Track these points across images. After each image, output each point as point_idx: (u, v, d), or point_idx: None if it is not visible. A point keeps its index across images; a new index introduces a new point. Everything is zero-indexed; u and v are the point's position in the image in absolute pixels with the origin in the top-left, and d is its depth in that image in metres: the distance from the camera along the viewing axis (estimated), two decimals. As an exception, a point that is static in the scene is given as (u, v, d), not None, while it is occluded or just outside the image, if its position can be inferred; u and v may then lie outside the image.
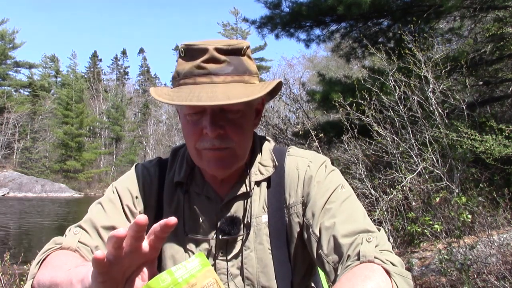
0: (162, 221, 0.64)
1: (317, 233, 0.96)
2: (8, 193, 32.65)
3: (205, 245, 1.05)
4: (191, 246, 1.06)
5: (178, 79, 0.99)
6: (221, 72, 0.95)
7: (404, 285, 0.79)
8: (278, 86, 1.06)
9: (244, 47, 0.99)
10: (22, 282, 3.75)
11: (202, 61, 0.95)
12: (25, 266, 4.05)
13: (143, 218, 0.62)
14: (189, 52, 0.98)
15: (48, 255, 0.93)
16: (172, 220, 0.63)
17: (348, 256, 0.87)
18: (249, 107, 1.02)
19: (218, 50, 0.96)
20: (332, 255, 0.91)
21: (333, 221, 0.94)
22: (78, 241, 0.97)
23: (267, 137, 1.17)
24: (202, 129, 0.96)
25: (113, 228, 1.01)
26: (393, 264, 0.82)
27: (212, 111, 0.95)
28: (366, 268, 0.80)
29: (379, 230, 0.93)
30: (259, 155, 1.11)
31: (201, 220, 1.07)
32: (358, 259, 0.83)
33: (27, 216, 19.19)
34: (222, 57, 0.96)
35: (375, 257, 0.82)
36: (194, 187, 1.09)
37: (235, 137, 0.98)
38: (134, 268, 0.69)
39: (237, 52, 0.98)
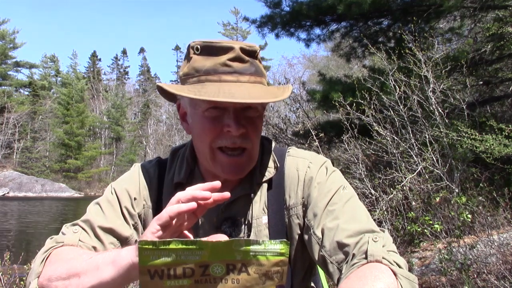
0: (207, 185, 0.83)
1: (319, 235, 0.95)
2: (8, 192, 32.66)
3: None
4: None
5: (198, 75, 0.96)
6: (246, 72, 0.96)
7: None
8: None
9: (258, 51, 1.01)
10: (22, 282, 3.74)
11: (228, 59, 0.95)
12: (25, 266, 4.05)
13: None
14: (208, 49, 0.97)
15: (51, 252, 0.93)
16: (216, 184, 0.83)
17: (354, 255, 0.86)
18: (263, 109, 1.04)
19: (243, 50, 0.96)
20: (336, 255, 0.90)
21: (336, 222, 0.94)
22: (79, 240, 0.97)
23: (268, 138, 1.17)
24: (223, 127, 0.95)
25: (111, 230, 1.01)
26: (399, 266, 0.81)
27: (235, 109, 0.95)
28: (375, 268, 0.80)
29: (383, 231, 0.93)
30: (261, 157, 1.10)
31: (200, 222, 1.06)
32: (366, 258, 0.83)
33: (27, 216, 19.18)
34: (246, 58, 0.96)
35: (383, 258, 0.82)
36: None
37: (253, 137, 0.98)
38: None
39: (254, 54, 1.00)
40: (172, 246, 0.61)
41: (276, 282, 0.66)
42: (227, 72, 0.95)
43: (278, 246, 0.63)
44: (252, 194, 1.05)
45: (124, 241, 1.03)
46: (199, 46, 0.98)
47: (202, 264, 0.62)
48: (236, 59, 0.95)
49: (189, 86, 0.97)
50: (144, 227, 1.10)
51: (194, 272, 0.63)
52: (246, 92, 0.92)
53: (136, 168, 1.14)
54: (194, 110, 1.01)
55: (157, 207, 1.09)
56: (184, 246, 0.61)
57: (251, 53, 0.98)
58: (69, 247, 0.94)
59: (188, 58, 1.01)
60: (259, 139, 1.04)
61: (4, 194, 31.97)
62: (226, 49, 0.95)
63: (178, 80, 1.07)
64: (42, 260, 0.91)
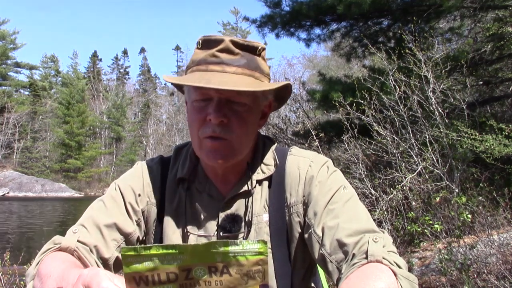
0: None
1: (319, 233, 0.96)
2: (8, 192, 32.67)
3: None
4: (192, 243, 1.05)
5: (192, 66, 1.02)
6: (233, 63, 0.98)
7: None
8: (287, 92, 1.09)
9: (260, 48, 1.02)
10: (22, 282, 3.75)
11: (217, 50, 0.98)
12: (25, 266, 4.05)
13: None
14: (205, 43, 1.01)
15: (45, 256, 0.92)
16: None
17: (354, 254, 0.86)
18: (256, 104, 1.03)
19: (234, 42, 0.99)
20: (336, 254, 0.90)
21: (336, 221, 0.94)
22: (77, 241, 0.96)
23: (271, 137, 1.18)
24: (207, 116, 0.97)
25: (115, 225, 1.02)
26: (399, 267, 0.82)
27: (219, 99, 0.97)
28: (376, 268, 0.80)
29: (382, 232, 0.93)
30: (261, 154, 1.11)
31: (202, 218, 1.07)
32: (366, 257, 0.83)
33: (27, 216, 19.19)
34: (236, 50, 0.99)
35: (383, 258, 0.82)
36: (196, 184, 1.10)
37: (236, 129, 0.98)
38: None
39: (252, 50, 1.01)
40: (153, 251, 0.61)
41: (259, 282, 0.66)
42: (214, 62, 0.98)
43: (256, 245, 0.64)
44: (252, 191, 1.06)
45: (127, 237, 1.03)
46: (200, 41, 1.02)
47: (185, 268, 0.63)
48: (224, 50, 0.98)
49: (182, 76, 1.03)
50: (147, 224, 1.10)
51: (178, 277, 0.63)
52: (224, 81, 0.94)
53: (139, 166, 1.15)
54: (188, 102, 1.06)
55: (160, 205, 1.10)
56: (164, 251, 0.62)
57: (246, 47, 1.00)
58: (59, 254, 0.92)
59: (193, 53, 1.06)
60: (248, 134, 1.04)
61: (4, 194, 31.99)
62: (217, 41, 0.99)
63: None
64: (37, 263, 0.91)
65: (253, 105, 1.02)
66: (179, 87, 1.14)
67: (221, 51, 0.98)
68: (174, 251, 0.61)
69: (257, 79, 1.00)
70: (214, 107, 0.96)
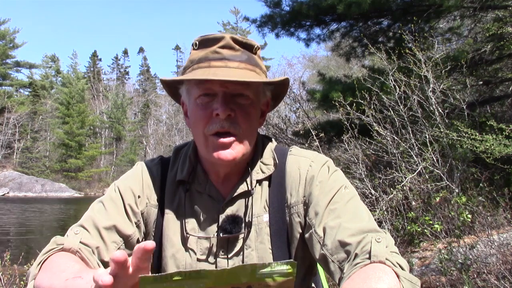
0: (141, 245, 0.60)
1: (321, 233, 0.95)
2: (8, 192, 32.66)
3: (206, 244, 1.05)
4: (192, 245, 1.06)
5: (191, 65, 1.01)
6: (235, 59, 0.99)
7: None
8: (284, 89, 1.10)
9: (256, 46, 1.03)
10: (22, 282, 3.74)
11: (218, 47, 0.98)
12: (25, 266, 4.05)
13: (150, 244, 0.60)
14: (203, 43, 1.01)
15: (49, 256, 0.92)
16: (149, 245, 0.60)
17: (356, 254, 0.86)
18: (258, 99, 1.04)
19: (234, 39, 0.99)
20: (338, 254, 0.90)
21: (338, 221, 0.94)
22: (80, 242, 0.96)
23: (269, 137, 1.18)
24: (212, 112, 0.97)
25: (114, 227, 1.01)
26: (402, 268, 0.81)
27: (224, 93, 0.97)
28: (378, 269, 0.79)
29: (384, 232, 0.92)
30: (260, 154, 1.11)
31: (202, 219, 1.07)
32: (369, 258, 0.82)
33: (27, 215, 19.18)
34: (237, 47, 0.99)
35: (386, 259, 0.82)
36: (196, 186, 1.09)
37: (243, 123, 0.99)
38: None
39: (250, 47, 1.02)
40: (175, 278, 0.58)
41: None
42: (216, 59, 0.98)
43: (285, 266, 0.62)
44: (252, 191, 1.05)
45: (126, 239, 1.03)
46: (197, 42, 1.02)
47: None
48: (225, 46, 0.99)
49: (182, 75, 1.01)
50: (146, 225, 1.10)
51: None
52: (231, 74, 0.94)
53: (139, 167, 1.15)
54: (189, 100, 1.05)
55: (160, 206, 1.09)
56: (187, 278, 0.59)
57: (245, 45, 1.01)
58: (64, 254, 0.92)
59: (189, 55, 1.05)
60: (252, 129, 1.04)
61: (4, 194, 31.97)
62: (217, 39, 0.99)
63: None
64: (39, 263, 0.91)
65: (255, 99, 1.03)
66: (173, 93, 1.12)
67: (222, 47, 0.98)
68: (197, 276, 0.59)
69: (258, 74, 1.02)
70: (220, 102, 0.96)
